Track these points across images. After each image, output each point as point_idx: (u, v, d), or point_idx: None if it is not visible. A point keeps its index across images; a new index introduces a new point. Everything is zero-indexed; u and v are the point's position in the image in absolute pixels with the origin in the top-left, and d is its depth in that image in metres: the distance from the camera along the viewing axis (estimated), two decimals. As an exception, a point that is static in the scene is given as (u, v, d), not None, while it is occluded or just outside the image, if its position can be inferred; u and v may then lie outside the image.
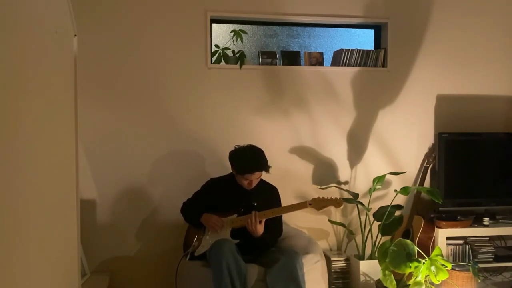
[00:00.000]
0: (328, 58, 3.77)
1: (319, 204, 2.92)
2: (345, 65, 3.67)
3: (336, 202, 2.94)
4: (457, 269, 3.20)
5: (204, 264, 2.78)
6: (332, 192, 3.59)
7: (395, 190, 3.43)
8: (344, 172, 3.72)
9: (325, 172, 3.69)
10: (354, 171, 3.74)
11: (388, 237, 3.45)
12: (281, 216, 3.03)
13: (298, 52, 3.71)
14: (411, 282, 2.88)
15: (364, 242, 3.47)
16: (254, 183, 2.93)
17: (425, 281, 2.83)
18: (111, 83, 3.40)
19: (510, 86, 3.93)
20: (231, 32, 3.54)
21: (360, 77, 3.71)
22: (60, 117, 1.64)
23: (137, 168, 3.43)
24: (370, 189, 3.54)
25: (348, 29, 3.90)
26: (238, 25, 3.60)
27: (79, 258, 2.07)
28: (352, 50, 3.67)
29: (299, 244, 3.08)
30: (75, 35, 1.99)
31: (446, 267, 2.84)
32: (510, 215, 3.69)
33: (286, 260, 2.68)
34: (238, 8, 3.54)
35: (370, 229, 3.47)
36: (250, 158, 2.89)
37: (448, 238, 3.49)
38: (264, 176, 2.99)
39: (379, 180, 3.48)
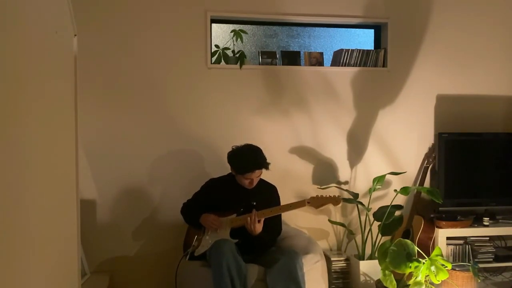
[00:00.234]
0: (328, 58, 3.77)
1: (317, 202, 2.92)
2: (345, 65, 3.67)
3: (335, 200, 2.95)
4: (457, 269, 3.20)
5: (204, 264, 2.78)
6: (332, 192, 3.59)
7: (395, 190, 3.43)
8: (344, 172, 3.72)
9: (325, 172, 3.69)
10: (354, 171, 3.74)
11: (388, 237, 3.45)
12: (280, 215, 3.03)
13: (298, 52, 3.71)
14: (411, 282, 2.88)
15: (364, 242, 3.47)
16: (255, 182, 2.93)
17: (425, 281, 2.83)
18: (111, 83, 3.40)
19: (510, 86, 3.93)
20: (231, 32, 3.54)
21: (360, 77, 3.71)
22: (60, 117, 1.64)
23: (137, 168, 3.44)
24: (370, 189, 3.54)
25: (348, 29, 3.90)
26: (238, 25, 3.60)
27: (79, 258, 2.07)
28: (352, 50, 3.67)
29: (299, 244, 3.08)
30: (75, 35, 1.99)
31: (446, 267, 2.85)
32: (510, 215, 3.69)
33: (286, 260, 2.68)
34: (238, 8, 3.54)
35: (370, 229, 3.47)
36: (249, 157, 2.89)
37: (448, 238, 3.49)
38: (265, 175, 3.00)
39: (379, 180, 3.48)
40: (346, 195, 3.60)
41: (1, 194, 0.97)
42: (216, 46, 3.57)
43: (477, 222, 3.59)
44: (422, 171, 3.73)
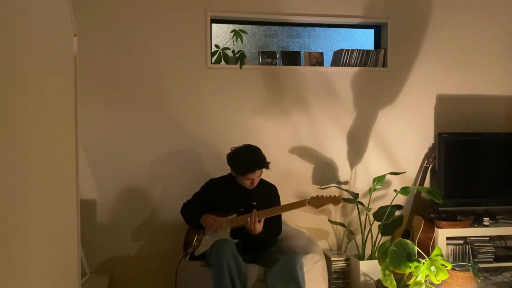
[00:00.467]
0: (328, 58, 3.77)
1: (317, 202, 2.92)
2: (345, 65, 3.67)
3: (335, 200, 2.95)
4: (457, 269, 3.20)
5: (204, 264, 2.78)
6: (332, 192, 3.58)
7: (395, 190, 3.43)
8: (344, 172, 3.72)
9: (325, 172, 3.69)
10: (354, 171, 3.74)
11: (388, 237, 3.46)
12: (280, 215, 3.03)
13: (298, 52, 3.71)
14: (411, 282, 2.88)
15: (364, 242, 3.47)
16: (256, 182, 2.94)
17: (425, 281, 2.83)
18: (111, 83, 3.40)
19: (510, 86, 3.93)
20: (231, 32, 3.54)
21: (360, 77, 3.71)
22: (60, 117, 1.64)
23: (137, 168, 3.44)
24: (370, 189, 3.54)
25: (348, 29, 3.90)
26: (238, 25, 3.60)
27: (79, 258, 2.07)
28: (352, 50, 3.67)
29: (299, 244, 3.08)
30: (75, 35, 1.99)
31: (446, 267, 2.85)
32: (510, 215, 3.69)
33: (286, 260, 2.68)
34: (238, 8, 3.54)
35: (370, 229, 3.47)
36: (249, 157, 2.89)
37: (448, 238, 3.49)
38: (265, 175, 3.00)
39: (379, 180, 3.48)
40: (346, 195, 3.60)
41: (1, 194, 0.97)
42: (216, 46, 3.57)
43: (477, 222, 3.59)
44: (422, 171, 3.73)
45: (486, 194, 3.70)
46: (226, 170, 3.09)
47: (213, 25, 3.64)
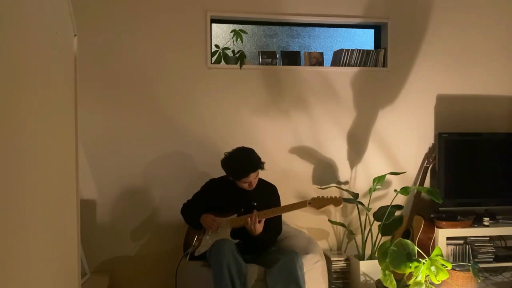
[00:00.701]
0: (328, 58, 3.77)
1: (318, 203, 2.92)
2: (345, 65, 3.67)
3: (336, 201, 2.94)
4: (457, 269, 3.20)
5: (204, 264, 2.78)
6: (332, 192, 3.59)
7: (395, 190, 3.43)
8: (344, 172, 3.72)
9: (325, 172, 3.69)
10: (354, 171, 3.74)
11: (388, 237, 3.46)
12: (280, 215, 3.03)
13: (298, 52, 3.71)
14: (411, 282, 2.88)
15: (364, 242, 3.47)
16: (254, 183, 2.93)
17: (425, 281, 2.83)
18: (111, 83, 3.40)
19: (510, 86, 3.93)
20: (231, 32, 3.54)
21: (360, 77, 3.71)
22: (60, 117, 1.64)
23: (137, 168, 3.44)
24: (370, 189, 3.54)
25: (348, 29, 3.90)
26: (238, 25, 3.60)
27: (79, 258, 2.07)
28: (352, 50, 3.67)
29: (299, 244, 3.08)
30: (75, 35, 1.99)
31: (446, 267, 2.85)
32: (510, 215, 3.69)
33: (286, 260, 2.68)
34: (238, 8, 3.54)
35: (370, 229, 3.47)
36: (242, 161, 2.89)
37: (448, 238, 3.49)
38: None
39: (379, 180, 3.48)
40: (346, 195, 3.60)
41: (1, 194, 0.97)
42: (216, 46, 3.57)
43: (477, 222, 3.59)
44: (422, 171, 3.73)
45: (486, 194, 3.70)
46: (226, 170, 3.09)
47: (213, 25, 3.64)
